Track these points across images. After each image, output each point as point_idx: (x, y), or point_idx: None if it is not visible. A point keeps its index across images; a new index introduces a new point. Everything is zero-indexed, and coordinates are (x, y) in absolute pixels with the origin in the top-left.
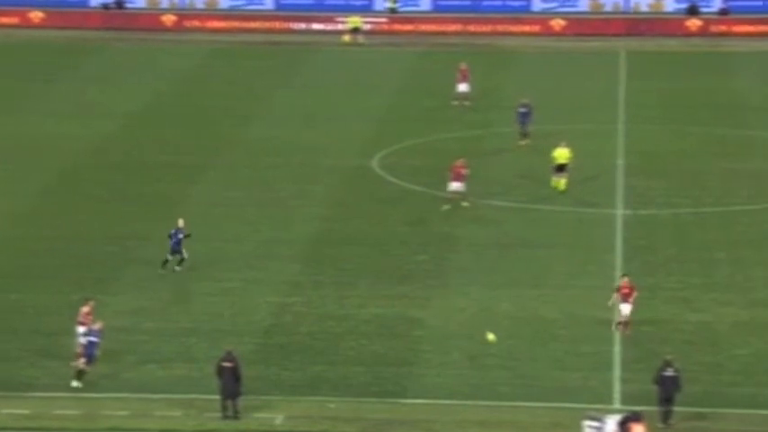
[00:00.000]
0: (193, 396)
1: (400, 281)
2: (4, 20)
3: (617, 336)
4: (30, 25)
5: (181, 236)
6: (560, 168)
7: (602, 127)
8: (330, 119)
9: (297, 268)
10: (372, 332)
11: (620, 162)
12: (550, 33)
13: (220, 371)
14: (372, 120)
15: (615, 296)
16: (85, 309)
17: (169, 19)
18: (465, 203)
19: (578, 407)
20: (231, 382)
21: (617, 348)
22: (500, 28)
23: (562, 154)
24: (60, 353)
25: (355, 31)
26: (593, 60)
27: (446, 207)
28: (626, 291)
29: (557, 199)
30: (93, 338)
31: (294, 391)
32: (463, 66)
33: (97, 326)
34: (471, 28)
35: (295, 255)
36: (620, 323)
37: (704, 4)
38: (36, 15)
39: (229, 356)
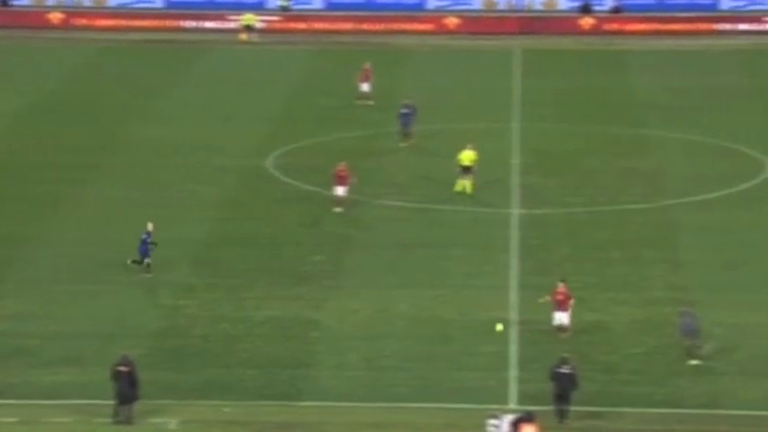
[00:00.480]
0: (83, 401)
1: (296, 282)
2: None
3: (514, 335)
4: None
5: (149, 240)
6: (465, 170)
7: (497, 126)
8: (224, 118)
9: (190, 270)
10: (267, 334)
11: (515, 161)
12: (445, 32)
13: (116, 375)
14: (267, 119)
15: (548, 298)
16: None
17: (56, 17)
18: (338, 209)
19: (475, 407)
20: (127, 387)
21: (514, 348)
22: (394, 26)
23: (467, 156)
24: None
25: (249, 28)
26: (488, 59)
27: (338, 210)
28: (561, 297)
29: (453, 199)
30: None
31: (188, 394)
32: (367, 65)
33: None
34: (365, 26)
35: (188, 256)
36: (558, 328)
37: (597, 2)
38: None
39: (125, 360)
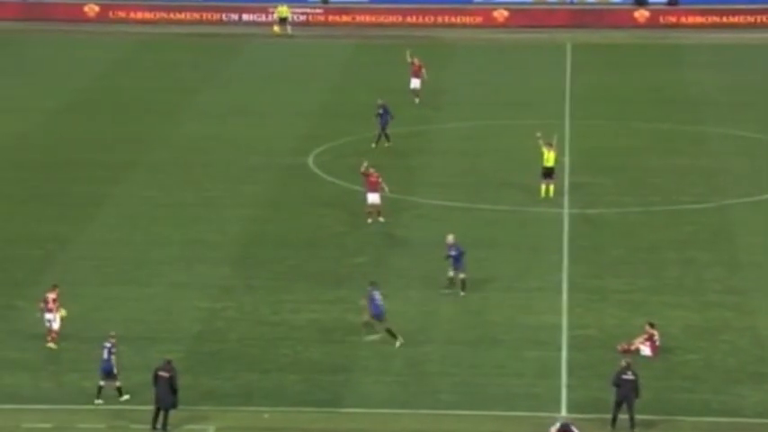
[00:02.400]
0: (119, 407)
1: (337, 284)
2: None
3: (564, 340)
4: None
5: (452, 253)
6: (548, 173)
7: (546, 122)
8: (263, 114)
9: (228, 272)
10: (308, 338)
11: (566, 159)
12: (493, 25)
13: (156, 380)
14: (308, 115)
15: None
16: (52, 295)
17: (92, 9)
18: (381, 218)
19: (523, 415)
20: (166, 393)
21: (563, 354)
22: (441, 19)
23: (551, 157)
24: None
25: (283, 21)
26: (538, 53)
27: (372, 220)
28: (648, 338)
29: (500, 198)
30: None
31: (226, 400)
32: (416, 60)
33: (113, 339)
34: (410, 19)
35: (226, 257)
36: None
37: None
38: None
39: (167, 366)
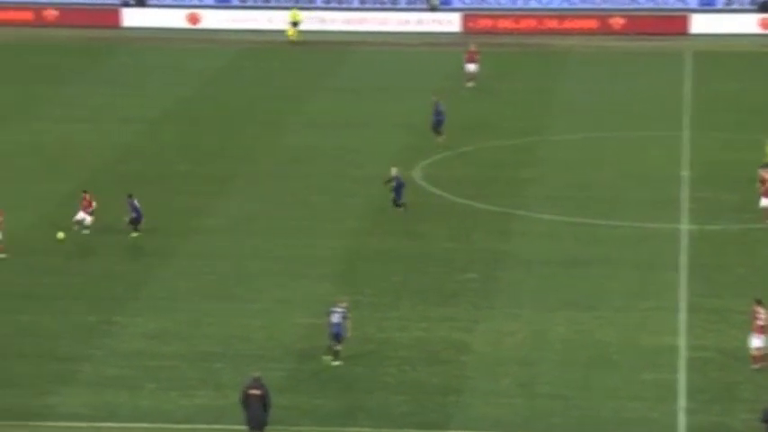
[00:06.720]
0: (218, 426)
1: (445, 301)
2: (14, 16)
3: (681, 362)
4: (42, 23)
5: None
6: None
7: (665, 134)
8: (367, 125)
9: (331, 287)
10: (414, 357)
11: (686, 173)
12: (609, 32)
13: (246, 399)
14: (413, 126)
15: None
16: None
17: (194, 17)
18: (85, 231)
19: None
20: (258, 412)
21: (681, 376)
22: (554, 25)
23: None
24: (76, 379)
25: (295, 24)
26: (656, 61)
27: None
28: (761, 322)
29: (615, 213)
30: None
31: (328, 421)
32: (472, 47)
33: (344, 304)
34: (523, 25)
35: (329, 273)
36: (754, 358)
37: None
38: (50, 13)
39: (257, 383)
